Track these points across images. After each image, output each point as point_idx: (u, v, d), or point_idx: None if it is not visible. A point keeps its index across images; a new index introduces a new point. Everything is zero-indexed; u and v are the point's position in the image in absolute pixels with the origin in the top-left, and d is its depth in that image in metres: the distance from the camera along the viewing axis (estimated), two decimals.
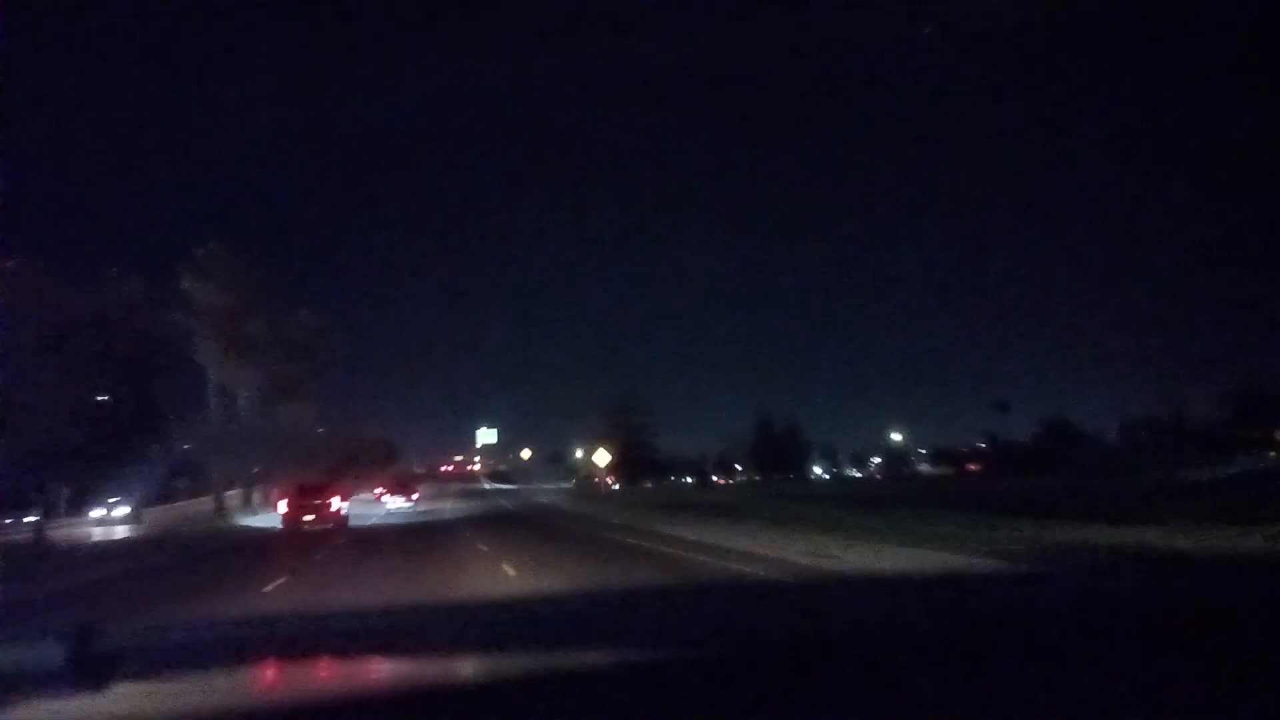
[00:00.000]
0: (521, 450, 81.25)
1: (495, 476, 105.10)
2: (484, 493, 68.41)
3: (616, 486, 70.11)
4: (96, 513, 38.96)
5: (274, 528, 30.24)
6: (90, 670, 1.59)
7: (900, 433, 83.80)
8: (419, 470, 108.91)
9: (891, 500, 29.75)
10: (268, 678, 1.84)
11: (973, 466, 78.86)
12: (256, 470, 44.14)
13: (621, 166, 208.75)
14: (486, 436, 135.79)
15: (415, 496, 51.50)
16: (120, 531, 33.08)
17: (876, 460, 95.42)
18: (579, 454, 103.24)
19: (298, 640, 2.24)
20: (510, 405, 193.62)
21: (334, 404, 65.03)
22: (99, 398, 28.34)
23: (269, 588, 12.45)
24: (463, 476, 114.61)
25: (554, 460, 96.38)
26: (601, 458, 51.24)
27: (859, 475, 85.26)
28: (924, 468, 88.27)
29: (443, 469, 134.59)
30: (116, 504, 38.91)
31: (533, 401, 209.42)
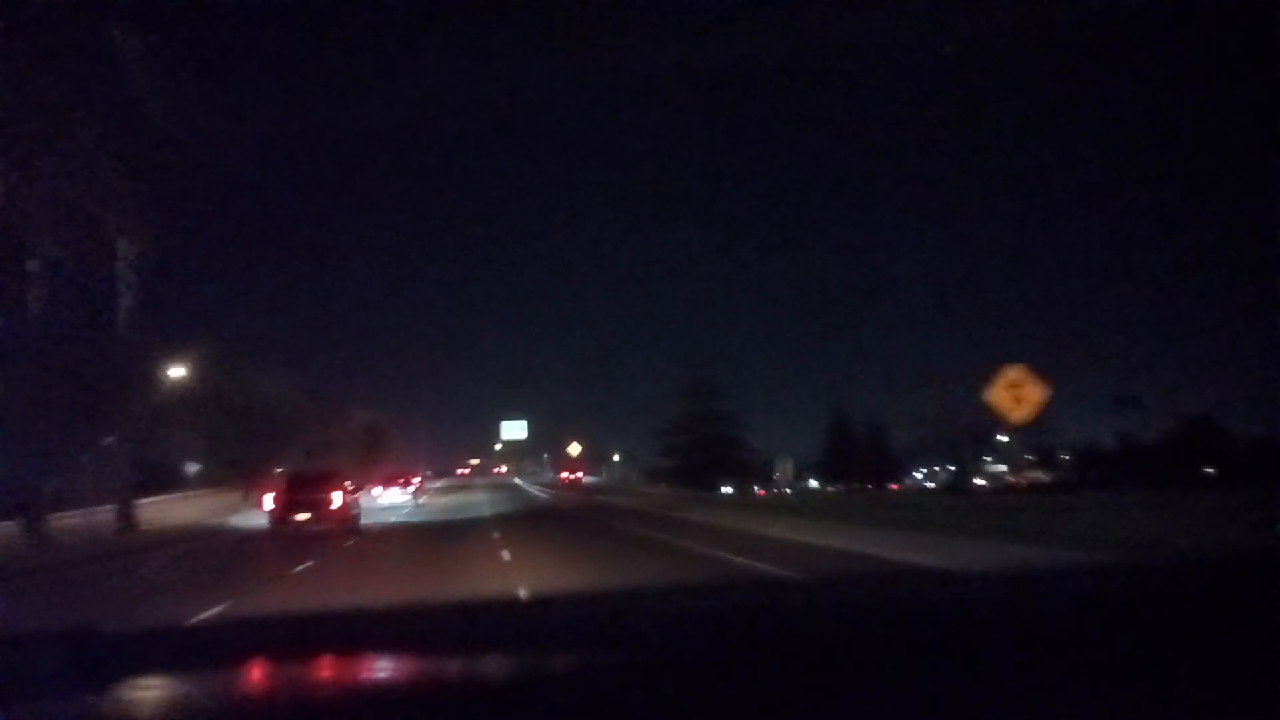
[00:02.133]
0: (569, 445, 74.50)
1: (530, 477, 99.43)
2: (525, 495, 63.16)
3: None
4: None
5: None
6: (88, 670, 1.69)
7: (1007, 434, 76.16)
8: (428, 472, 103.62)
9: None
10: (266, 677, 1.86)
11: (1014, 480, 71.48)
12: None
13: (666, 158, 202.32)
14: (514, 430, 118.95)
15: (414, 487, 47.68)
16: None
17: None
18: (616, 457, 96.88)
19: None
20: (546, 396, 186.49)
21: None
22: None
23: None
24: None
25: (599, 458, 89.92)
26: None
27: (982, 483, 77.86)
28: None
29: (459, 471, 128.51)
30: None
31: (576, 393, 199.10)
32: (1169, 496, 18.23)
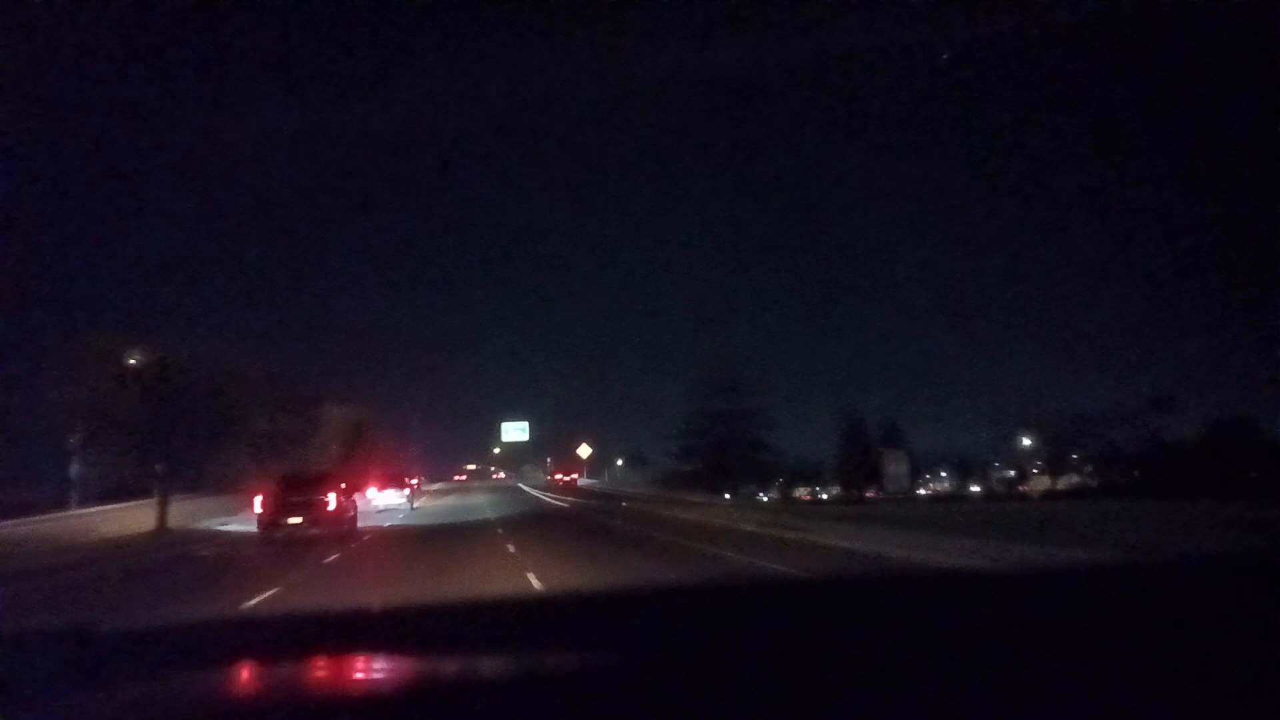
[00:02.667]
0: (574, 447, 73.21)
1: (531, 481, 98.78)
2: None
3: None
4: None
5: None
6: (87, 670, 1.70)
7: (1031, 437, 74.97)
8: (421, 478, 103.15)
9: None
10: (265, 677, 1.86)
11: (1024, 487, 70.37)
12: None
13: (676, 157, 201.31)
14: (514, 432, 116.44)
15: (409, 489, 47.29)
16: None
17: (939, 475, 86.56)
18: (620, 460, 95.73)
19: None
20: (548, 399, 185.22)
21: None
22: None
23: None
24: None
25: (600, 460, 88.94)
26: None
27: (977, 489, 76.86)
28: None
29: (455, 477, 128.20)
30: None
31: (578, 396, 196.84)
32: (1170, 500, 17.79)
